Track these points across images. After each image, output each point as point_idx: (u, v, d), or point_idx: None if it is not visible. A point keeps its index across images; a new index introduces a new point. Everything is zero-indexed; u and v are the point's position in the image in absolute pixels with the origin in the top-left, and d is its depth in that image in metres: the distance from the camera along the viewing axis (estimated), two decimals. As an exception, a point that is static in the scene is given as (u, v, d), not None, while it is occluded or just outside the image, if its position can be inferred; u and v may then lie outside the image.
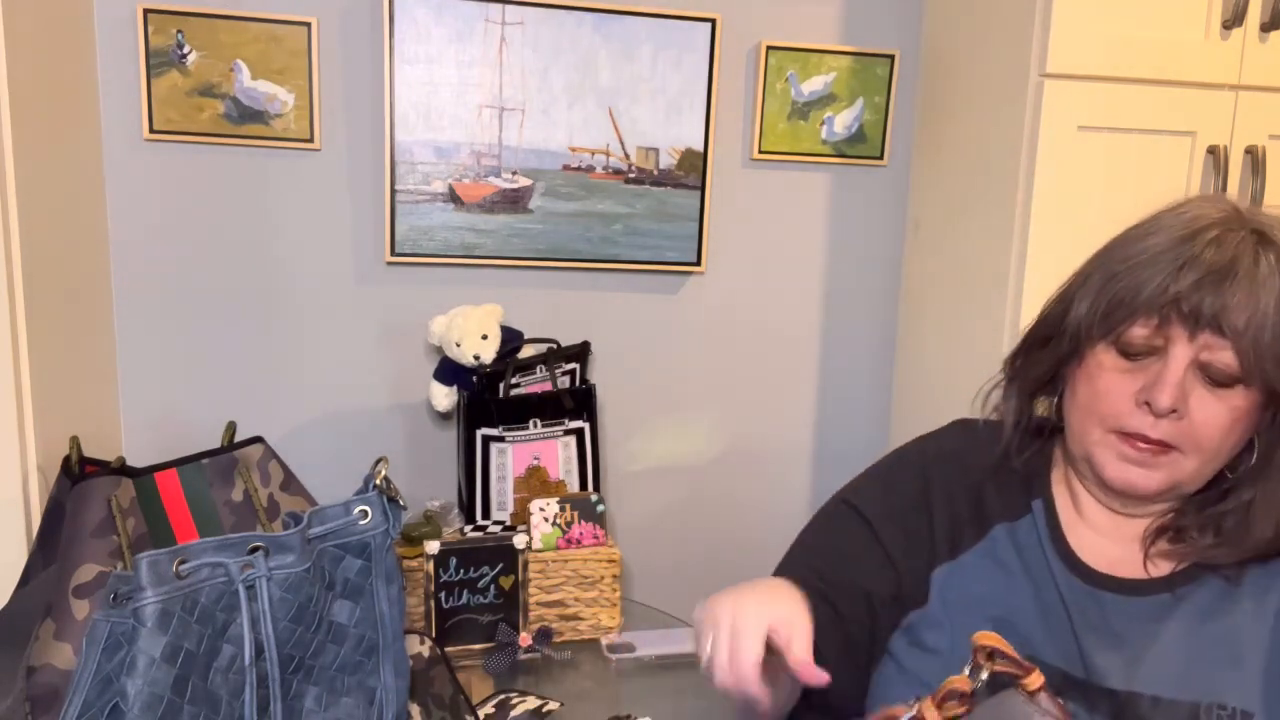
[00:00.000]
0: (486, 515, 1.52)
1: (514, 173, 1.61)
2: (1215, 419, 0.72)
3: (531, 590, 1.38)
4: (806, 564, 0.88)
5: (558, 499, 1.42)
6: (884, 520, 0.87)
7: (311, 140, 1.54)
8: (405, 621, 1.01)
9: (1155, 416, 0.72)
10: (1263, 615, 0.76)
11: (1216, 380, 0.72)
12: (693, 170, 1.66)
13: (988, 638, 0.57)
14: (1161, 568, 0.79)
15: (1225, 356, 0.71)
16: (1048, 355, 0.82)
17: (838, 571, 0.85)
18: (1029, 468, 0.85)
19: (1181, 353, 0.72)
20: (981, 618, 0.80)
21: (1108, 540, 0.81)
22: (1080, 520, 0.83)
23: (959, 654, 0.80)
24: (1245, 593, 0.77)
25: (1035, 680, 0.53)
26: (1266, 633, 0.75)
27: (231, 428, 1.17)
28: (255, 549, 0.83)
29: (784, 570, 0.89)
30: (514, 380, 1.55)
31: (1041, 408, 0.86)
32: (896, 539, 0.86)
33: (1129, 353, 0.74)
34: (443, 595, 1.33)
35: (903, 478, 0.89)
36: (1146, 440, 0.73)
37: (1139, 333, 0.73)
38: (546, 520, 1.41)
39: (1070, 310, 0.79)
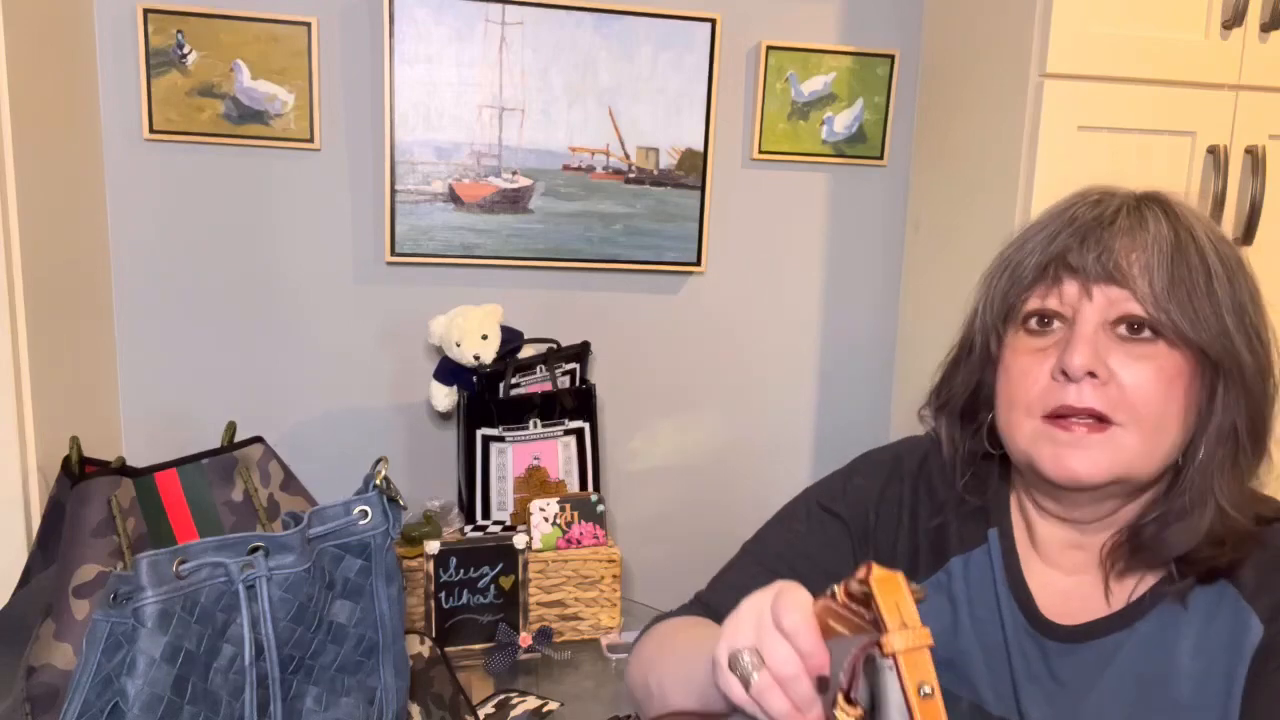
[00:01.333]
0: (486, 515, 1.52)
1: (514, 173, 1.61)
2: (1144, 380, 0.67)
3: (531, 590, 1.38)
4: (775, 555, 0.85)
5: (558, 499, 1.42)
6: (858, 523, 0.84)
7: (311, 140, 1.54)
8: (405, 621, 1.01)
9: (1074, 382, 0.68)
10: (1205, 651, 0.70)
11: (1133, 335, 0.67)
12: (693, 170, 1.66)
13: (883, 583, 0.48)
14: (1121, 594, 0.74)
15: (1130, 306, 0.67)
16: (965, 371, 0.79)
17: (807, 564, 0.82)
18: (989, 495, 0.80)
19: (1086, 312, 0.68)
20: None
21: (1061, 573, 0.77)
22: (1035, 553, 0.78)
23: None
24: (1190, 621, 0.71)
25: (889, 644, 0.46)
26: (1212, 679, 0.69)
27: (231, 428, 1.17)
28: (255, 549, 0.83)
29: (749, 562, 0.86)
30: (514, 380, 1.55)
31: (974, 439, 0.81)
32: (866, 547, 0.84)
33: (1037, 328, 0.71)
34: (443, 595, 1.33)
35: (874, 487, 0.86)
36: (1073, 411, 0.68)
37: (1035, 304, 0.71)
38: (546, 520, 1.41)
39: (976, 319, 0.77)
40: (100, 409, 1.49)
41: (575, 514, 1.42)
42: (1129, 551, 0.73)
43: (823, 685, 0.53)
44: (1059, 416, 0.69)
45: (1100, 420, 0.68)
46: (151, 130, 1.48)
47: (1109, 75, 1.39)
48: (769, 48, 1.67)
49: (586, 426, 1.57)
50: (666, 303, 1.74)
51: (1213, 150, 1.43)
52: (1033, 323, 0.72)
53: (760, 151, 1.71)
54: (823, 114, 1.72)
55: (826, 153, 1.74)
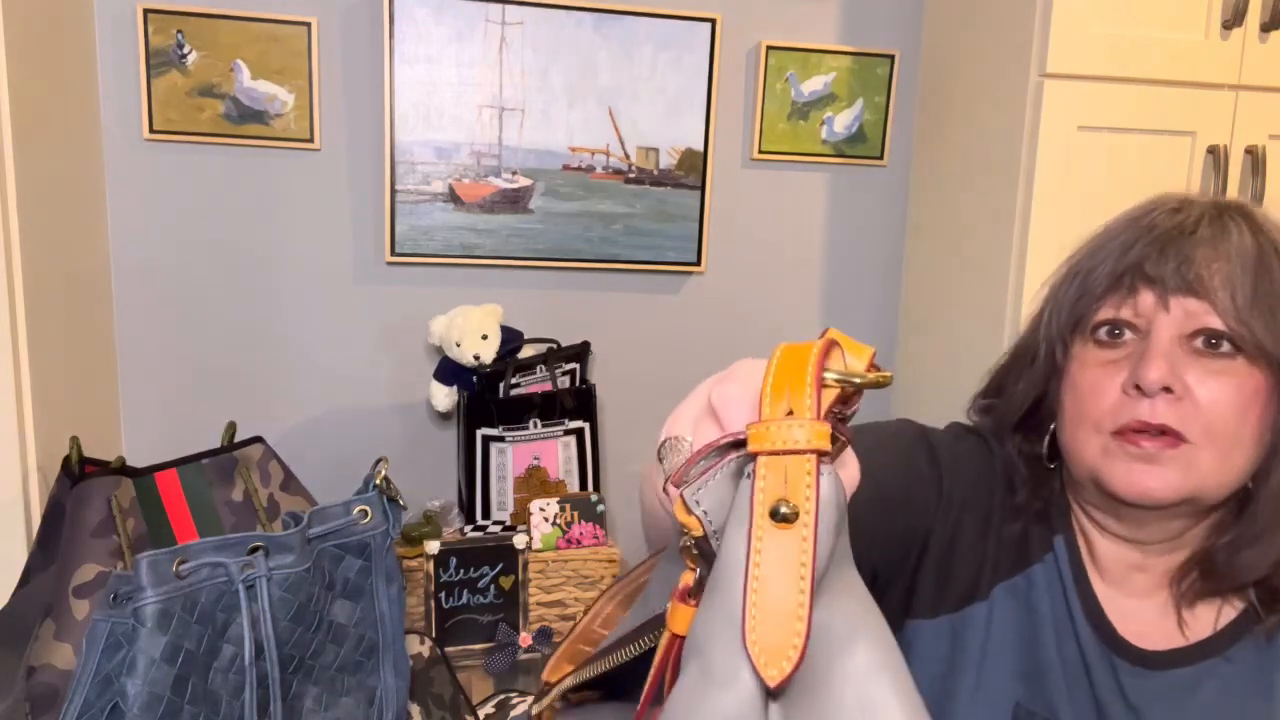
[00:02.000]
0: (486, 515, 1.52)
1: (514, 173, 1.60)
2: (1221, 396, 0.63)
3: (531, 590, 1.38)
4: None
5: (558, 499, 1.42)
6: (951, 485, 0.74)
7: (311, 140, 1.54)
8: (405, 621, 1.01)
9: (1149, 397, 0.64)
10: None
11: (1211, 349, 0.64)
12: (693, 170, 1.66)
13: (793, 351, 0.35)
14: (1199, 627, 0.70)
15: (1210, 319, 0.64)
16: (1026, 381, 0.74)
17: (888, 479, 0.71)
18: (1052, 505, 0.75)
19: (1162, 323, 0.65)
20: (1010, 672, 0.71)
21: (1123, 594, 0.72)
22: (1097, 573, 0.73)
23: (981, 709, 0.70)
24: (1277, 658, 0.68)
25: (749, 439, 0.32)
26: None
27: (231, 428, 1.17)
28: (255, 549, 0.83)
29: None
30: (514, 380, 1.55)
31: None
32: (946, 519, 0.75)
33: (1107, 339, 0.68)
34: (443, 595, 1.33)
35: (974, 465, 0.77)
36: (1146, 427, 0.64)
37: (1108, 313, 0.68)
38: (546, 520, 1.41)
39: (1041, 326, 0.73)
40: (100, 409, 1.48)
41: (575, 514, 1.42)
42: (1200, 577, 0.70)
43: None
44: (1130, 432, 0.66)
45: (1173, 437, 0.64)
46: (151, 130, 1.48)
47: (1109, 75, 1.39)
48: (769, 48, 1.67)
49: (586, 426, 1.57)
50: (666, 303, 1.74)
51: (1213, 150, 1.43)
52: (1103, 333, 0.68)
53: (760, 151, 1.71)
54: (823, 114, 1.72)
55: (826, 153, 1.74)
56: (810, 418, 0.32)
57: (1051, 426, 0.74)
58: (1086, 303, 0.69)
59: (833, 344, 0.35)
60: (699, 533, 0.34)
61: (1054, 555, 0.74)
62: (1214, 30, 1.41)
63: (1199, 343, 0.65)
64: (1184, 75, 1.41)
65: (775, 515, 0.31)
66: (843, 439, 0.36)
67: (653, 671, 0.37)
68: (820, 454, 0.32)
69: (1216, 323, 0.64)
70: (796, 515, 0.31)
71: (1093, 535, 0.74)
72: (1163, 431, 0.64)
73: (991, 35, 1.51)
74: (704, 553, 0.35)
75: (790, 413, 0.32)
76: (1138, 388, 0.65)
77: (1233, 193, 1.45)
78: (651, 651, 0.39)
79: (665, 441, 0.41)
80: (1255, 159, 1.44)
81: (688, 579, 0.35)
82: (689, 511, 0.34)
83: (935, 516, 0.73)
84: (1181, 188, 1.44)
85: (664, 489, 0.39)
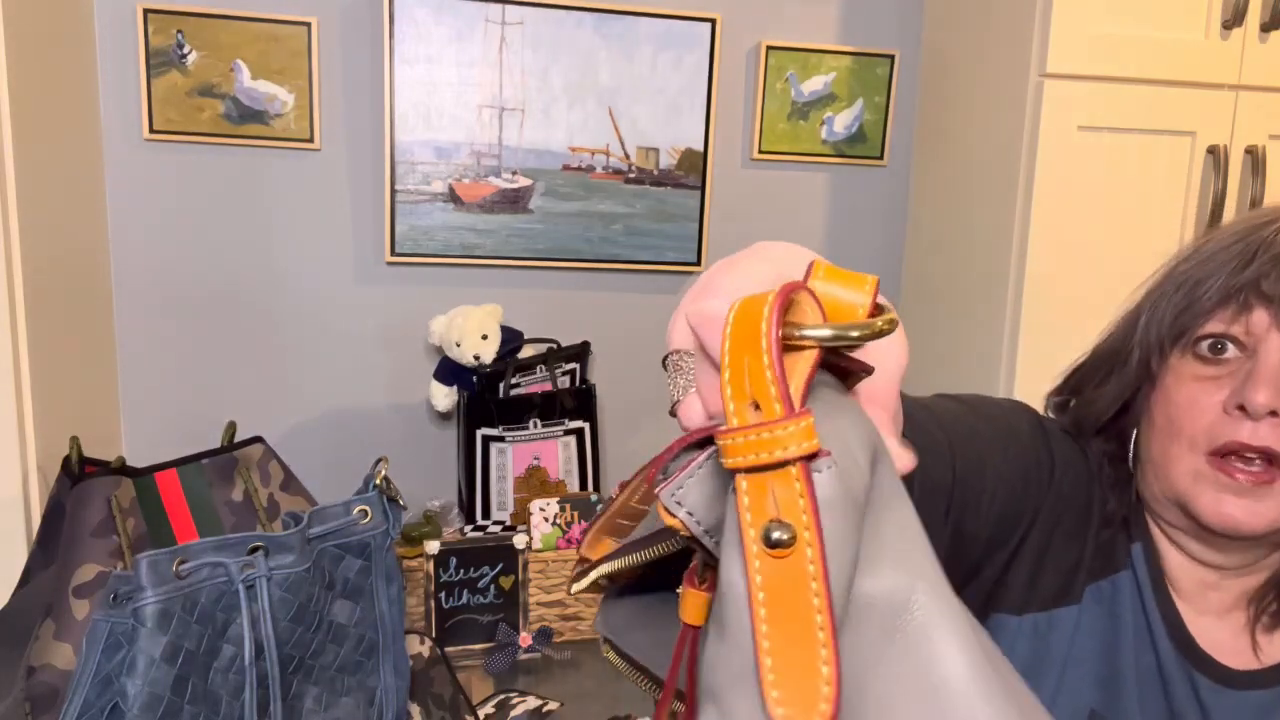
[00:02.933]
0: (486, 515, 1.52)
1: (514, 173, 1.60)
2: None
3: (531, 590, 1.38)
4: (942, 423, 0.66)
5: (558, 499, 1.42)
6: (1061, 477, 0.71)
7: (311, 140, 1.54)
8: (405, 621, 1.01)
9: (1252, 420, 0.61)
10: None
11: None
12: (693, 170, 1.66)
13: (746, 314, 0.28)
14: (1275, 651, 0.68)
15: None
16: (1111, 388, 0.71)
17: (982, 453, 0.66)
18: (1130, 511, 0.73)
19: (1273, 344, 0.62)
20: (1090, 679, 0.70)
21: (1195, 611, 0.70)
22: (1170, 587, 0.71)
23: (1058, 713, 0.68)
24: None
25: (723, 453, 0.27)
26: None
27: (231, 428, 1.17)
28: (255, 549, 0.83)
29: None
30: (514, 380, 1.55)
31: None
32: (1052, 515, 0.71)
33: (1210, 354, 0.65)
34: (443, 595, 1.33)
35: (1079, 458, 0.73)
36: (1247, 449, 0.62)
37: (1216, 327, 0.64)
38: (546, 520, 1.41)
39: (1136, 330, 0.70)
40: (100, 409, 1.48)
41: (575, 514, 1.42)
42: (1277, 599, 0.69)
43: None
44: (1228, 454, 0.63)
45: (1271, 463, 0.62)
46: (151, 130, 1.48)
47: (1109, 75, 1.39)
48: (769, 48, 1.67)
49: (586, 426, 1.57)
50: (666, 303, 1.74)
51: (1213, 150, 1.43)
52: (1205, 348, 0.65)
53: (760, 151, 1.71)
54: (823, 114, 1.72)
55: (826, 153, 1.74)
56: (781, 413, 0.26)
57: (1134, 433, 0.72)
58: (1193, 314, 0.66)
59: (796, 290, 0.28)
60: (686, 534, 0.30)
61: (1132, 562, 0.72)
62: (1214, 30, 1.41)
63: None
64: (1184, 75, 1.41)
65: (769, 542, 0.26)
66: (856, 371, 0.30)
67: (672, 661, 0.34)
68: (807, 458, 0.26)
69: None
70: (794, 539, 0.26)
71: (1166, 549, 0.72)
72: (1265, 456, 0.62)
73: (991, 35, 1.51)
74: (701, 549, 0.31)
75: (757, 406, 0.26)
76: (1241, 408, 0.62)
77: (1232, 193, 1.45)
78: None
79: (669, 357, 0.36)
80: (1255, 159, 1.44)
81: (695, 562, 0.32)
82: (670, 514, 0.30)
83: (1043, 503, 0.71)
84: (1182, 187, 1.44)
85: (673, 413, 0.34)
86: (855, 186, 1.78)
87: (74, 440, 1.07)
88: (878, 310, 0.31)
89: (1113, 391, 0.71)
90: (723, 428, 0.26)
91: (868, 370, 0.31)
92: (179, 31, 1.46)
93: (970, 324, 1.57)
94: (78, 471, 1.05)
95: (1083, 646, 0.70)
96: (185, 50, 1.47)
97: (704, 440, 0.30)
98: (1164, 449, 0.67)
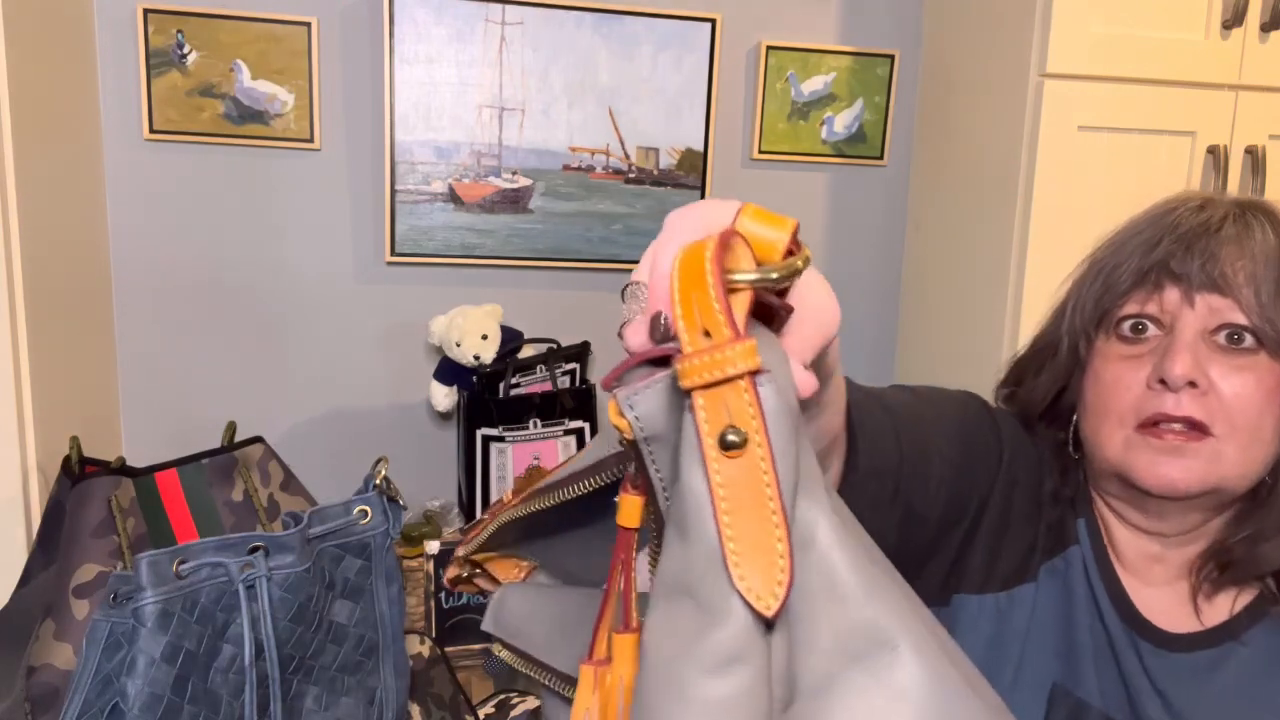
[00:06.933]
0: (486, 515, 1.52)
1: (514, 173, 1.60)
2: (1244, 390, 0.65)
3: (531, 590, 1.38)
4: (891, 408, 0.66)
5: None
6: (1010, 458, 0.74)
7: (311, 140, 1.54)
8: (405, 621, 1.01)
9: (1174, 392, 0.66)
10: None
11: (1233, 345, 0.66)
12: (693, 170, 1.66)
13: (691, 260, 0.31)
14: (1215, 613, 0.72)
15: (1234, 315, 0.66)
16: (1046, 377, 0.76)
17: (928, 438, 0.68)
18: (1077, 489, 0.77)
19: (1187, 319, 0.67)
20: (1050, 652, 0.73)
21: (1141, 583, 0.74)
22: (1117, 561, 0.75)
23: (1022, 688, 0.72)
24: None
25: (680, 375, 0.30)
26: None
27: (231, 428, 1.17)
28: (255, 549, 0.83)
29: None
30: (514, 380, 1.55)
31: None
32: (1004, 494, 0.74)
33: (1131, 334, 0.69)
34: (443, 595, 1.33)
35: (1027, 440, 0.77)
36: (1171, 419, 0.66)
37: (1133, 308, 0.69)
38: (546, 520, 1.41)
39: (1064, 319, 0.75)
40: (100, 409, 1.48)
41: (575, 514, 1.42)
42: (1218, 568, 0.71)
43: None
44: (1154, 424, 0.67)
45: (1198, 430, 0.66)
46: (151, 130, 1.48)
47: (1109, 75, 1.39)
48: (769, 48, 1.67)
49: (586, 426, 1.57)
50: (666, 303, 1.74)
51: (1213, 150, 1.43)
52: (1126, 329, 0.70)
53: (760, 151, 1.71)
54: (823, 114, 1.72)
55: (826, 153, 1.74)
56: (730, 336, 0.30)
57: (1074, 418, 0.75)
58: (1111, 298, 0.70)
59: (730, 237, 0.32)
60: (629, 436, 0.33)
61: (1079, 536, 0.75)
62: (1214, 30, 1.41)
63: (1222, 338, 0.66)
64: (1184, 75, 1.41)
65: (724, 445, 0.30)
66: (782, 311, 0.35)
67: (611, 565, 0.37)
68: (753, 374, 0.30)
69: (1240, 319, 0.66)
70: (746, 440, 0.30)
71: (1113, 525, 0.75)
72: (1188, 424, 0.66)
73: (991, 35, 1.51)
74: (636, 455, 0.34)
75: (707, 333, 0.30)
76: (1162, 382, 0.66)
77: (1232, 193, 1.45)
78: (604, 490, 0.40)
79: (628, 286, 0.39)
80: (1255, 159, 1.44)
81: (629, 469, 0.36)
82: (620, 414, 0.33)
83: (994, 485, 0.74)
84: (1181, 188, 1.44)
85: (619, 333, 0.37)
86: (855, 186, 1.78)
87: (74, 440, 1.07)
88: (798, 247, 0.36)
89: (1048, 380, 0.76)
90: (678, 355, 0.30)
91: (789, 309, 0.36)
92: (179, 31, 1.46)
93: (970, 324, 1.57)
94: (78, 471, 1.05)
95: (1042, 622, 0.73)
96: (185, 50, 1.47)
97: (656, 363, 0.33)
98: (1095, 427, 0.71)
